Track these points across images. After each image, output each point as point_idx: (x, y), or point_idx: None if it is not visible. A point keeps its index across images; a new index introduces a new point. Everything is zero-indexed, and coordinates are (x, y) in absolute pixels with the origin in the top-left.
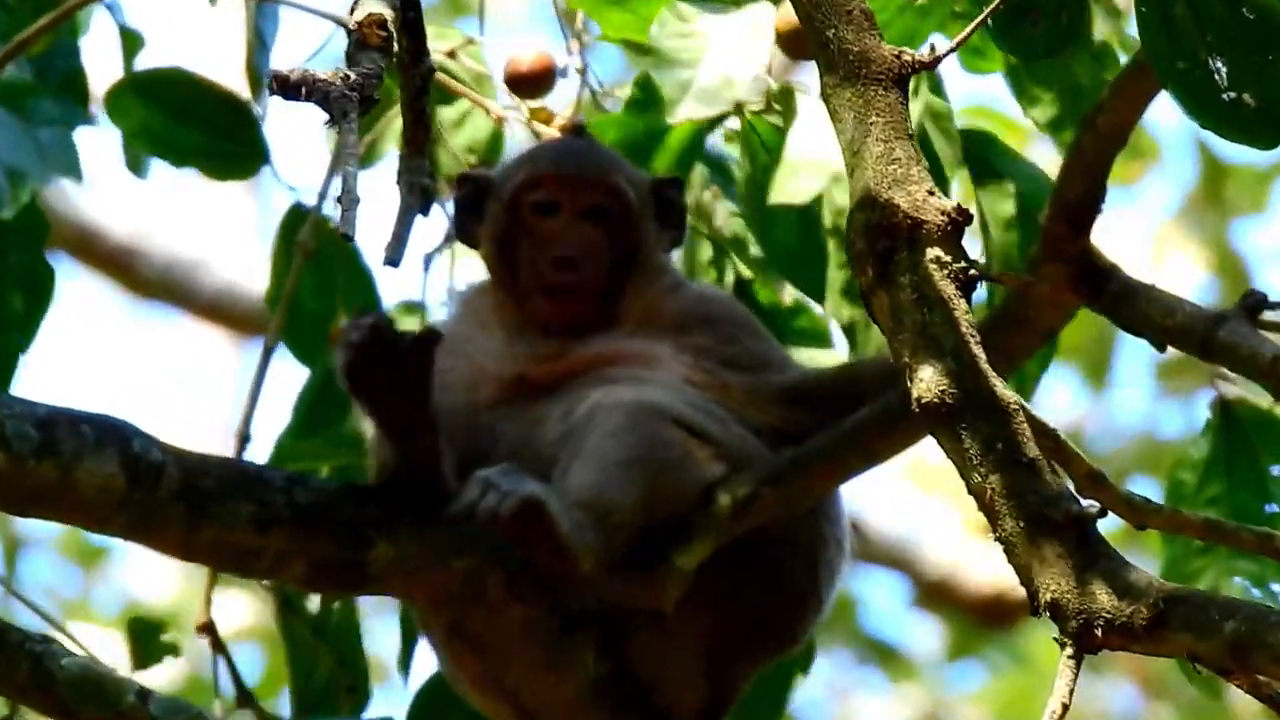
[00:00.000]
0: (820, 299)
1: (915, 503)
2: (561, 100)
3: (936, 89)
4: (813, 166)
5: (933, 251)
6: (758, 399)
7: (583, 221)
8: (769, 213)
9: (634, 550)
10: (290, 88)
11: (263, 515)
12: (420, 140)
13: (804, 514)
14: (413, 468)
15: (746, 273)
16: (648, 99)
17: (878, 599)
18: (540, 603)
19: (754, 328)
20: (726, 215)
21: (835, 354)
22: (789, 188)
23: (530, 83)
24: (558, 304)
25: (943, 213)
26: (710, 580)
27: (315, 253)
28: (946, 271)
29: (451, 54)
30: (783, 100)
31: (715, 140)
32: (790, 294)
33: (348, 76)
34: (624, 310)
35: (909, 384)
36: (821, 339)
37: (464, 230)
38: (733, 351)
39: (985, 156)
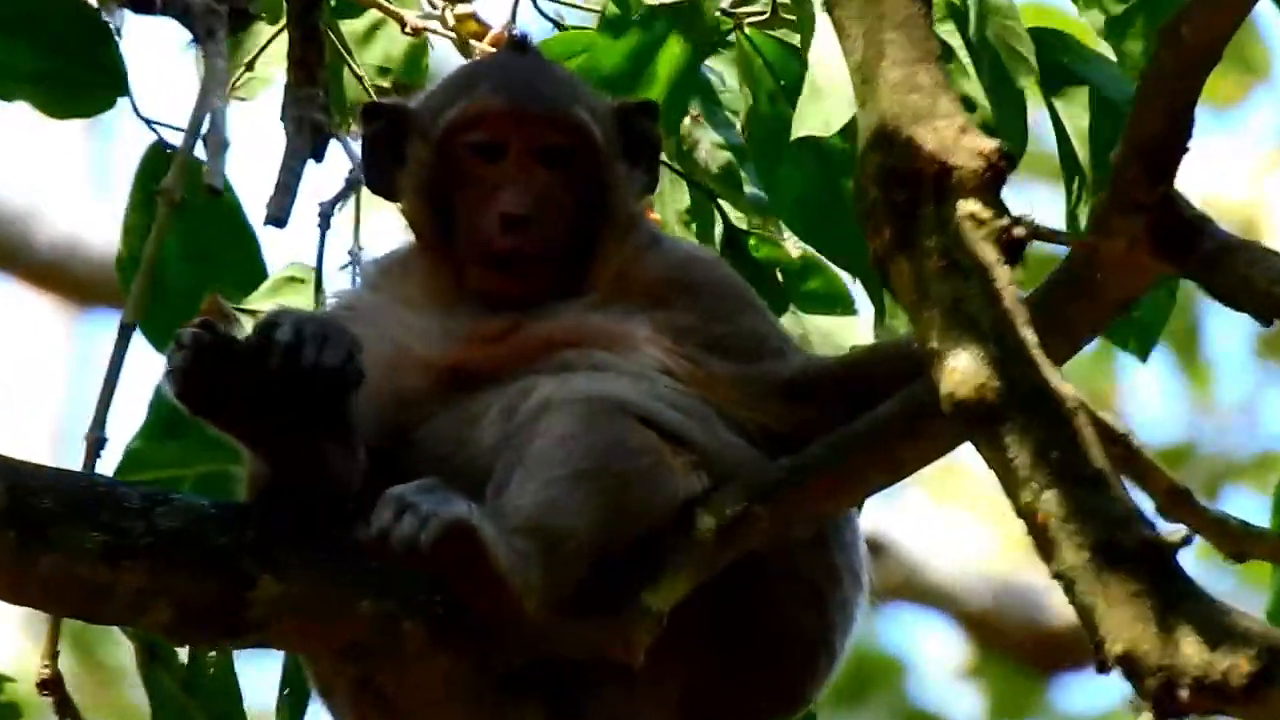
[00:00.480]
0: (844, 258)
1: (949, 520)
2: (495, 6)
3: None
4: (840, 90)
5: (966, 205)
6: (752, 393)
7: (536, 166)
8: (775, 148)
9: (591, 587)
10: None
11: (116, 544)
12: (311, 63)
13: (808, 539)
14: (297, 478)
15: (739, 220)
16: (624, 13)
17: (902, 642)
18: (472, 655)
19: (748, 301)
20: (711, 148)
21: (858, 324)
22: (813, 116)
23: None
24: (505, 279)
25: (979, 154)
26: (689, 625)
27: (182, 207)
28: (984, 230)
29: None
30: (795, 7)
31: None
32: (796, 248)
33: None
34: (589, 272)
35: (938, 376)
36: (840, 304)
37: (377, 177)
38: (721, 331)
39: (1057, 59)
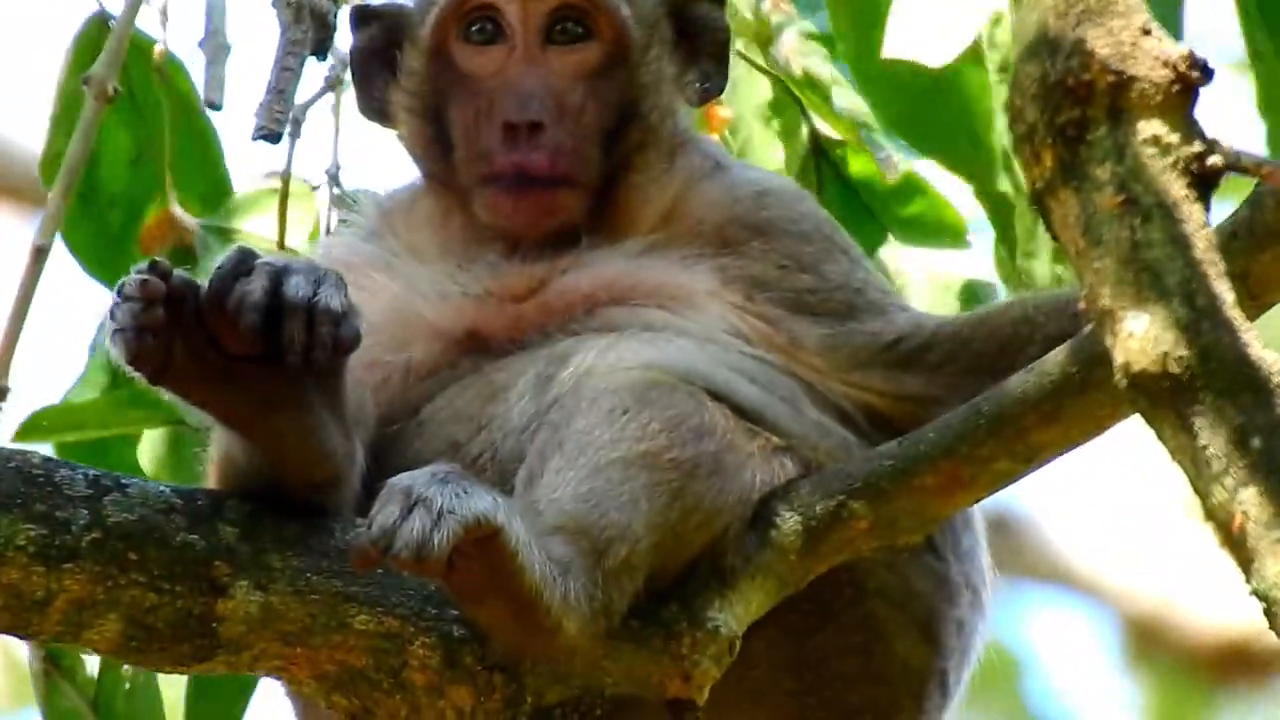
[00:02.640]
0: (964, 171)
1: (1110, 495)
2: None
3: None
4: None
5: (1149, 126)
6: (846, 361)
7: (545, 52)
8: (875, 32)
9: (646, 604)
10: None
11: (53, 542)
12: None
13: (918, 546)
14: (282, 462)
15: (829, 129)
16: None
17: (1044, 644)
18: (494, 689)
19: (839, 244)
20: (799, 41)
21: (972, 261)
22: (909, 29)
23: None
24: (520, 205)
25: (1165, 64)
26: (771, 651)
27: (124, 99)
28: (1171, 158)
29: None
30: None
31: None
32: (897, 161)
33: None
34: (631, 207)
35: (1109, 340)
36: (951, 235)
37: (368, 98)
38: (806, 284)
39: None
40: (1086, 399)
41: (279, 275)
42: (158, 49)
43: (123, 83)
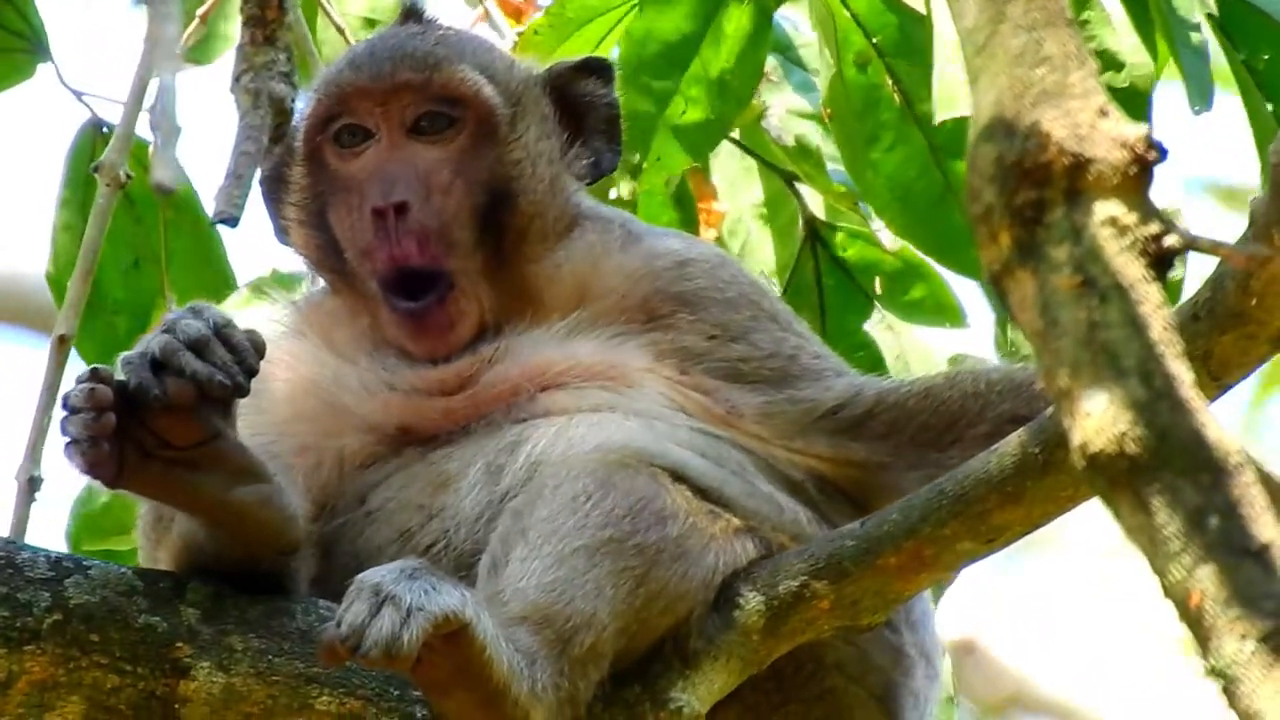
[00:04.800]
0: (953, 260)
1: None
2: None
3: None
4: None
5: (1107, 207)
6: (786, 427)
7: (411, 143)
8: (867, 124)
9: (609, 685)
10: None
11: (14, 624)
12: (270, 19)
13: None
14: (243, 541)
15: (822, 206)
16: None
17: None
18: None
19: (766, 309)
20: (786, 116)
21: (970, 339)
22: (951, 94)
23: None
24: (418, 329)
25: (1123, 145)
26: None
27: (125, 198)
28: (1128, 239)
29: None
30: None
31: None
32: (892, 242)
33: None
34: (536, 287)
35: (1067, 421)
36: (948, 315)
37: (276, 222)
38: (739, 352)
39: None
40: (1048, 480)
41: (177, 345)
42: (151, 149)
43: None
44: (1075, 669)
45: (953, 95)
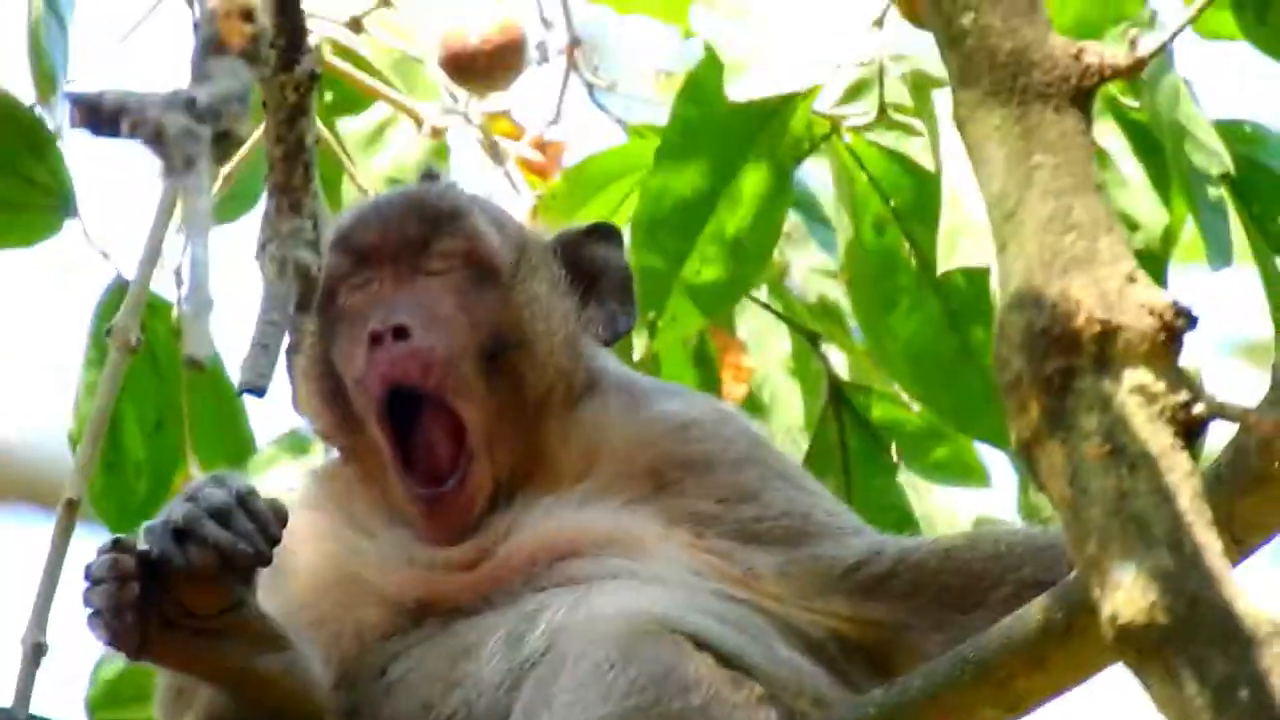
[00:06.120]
0: (974, 427)
1: None
2: (538, 101)
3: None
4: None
5: (1136, 375)
6: (804, 588)
7: (416, 277)
8: (884, 289)
9: None
10: (104, 119)
11: None
12: (297, 188)
13: None
14: (271, 712)
15: (845, 365)
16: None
17: None
18: None
19: (776, 468)
20: (807, 273)
21: (993, 500)
22: (959, 246)
23: (482, 67)
24: (433, 515)
25: (1152, 312)
26: None
27: (145, 361)
28: (1157, 407)
29: (356, 25)
30: (917, 95)
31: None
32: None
33: (193, 101)
34: (550, 452)
35: (1095, 591)
36: (972, 476)
37: (293, 394)
38: (752, 512)
39: (1256, 159)
40: (1072, 646)
41: (200, 514)
42: (175, 311)
43: (143, 343)
44: None
45: (954, 245)
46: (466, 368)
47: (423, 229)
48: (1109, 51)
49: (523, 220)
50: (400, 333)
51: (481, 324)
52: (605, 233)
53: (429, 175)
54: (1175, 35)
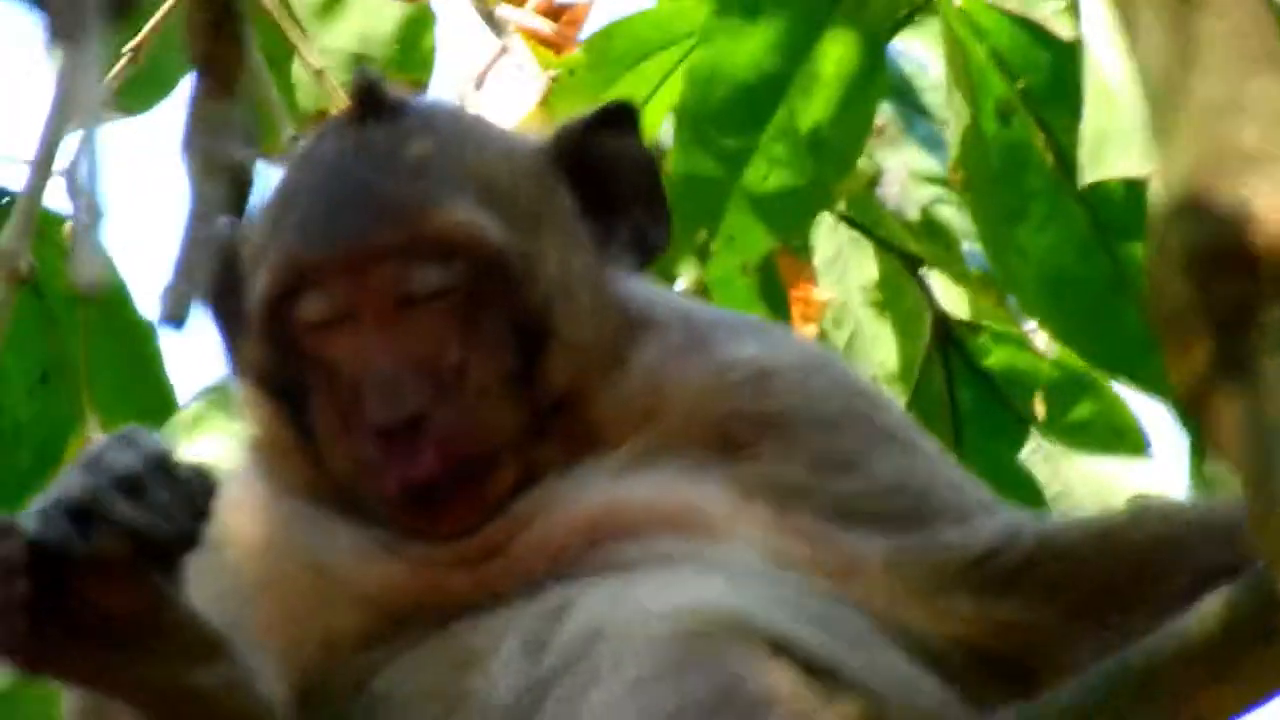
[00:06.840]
0: (1127, 370)
1: None
2: None
3: None
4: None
5: None
6: (923, 582)
7: (402, 313)
8: (1012, 195)
9: None
10: None
11: None
12: (228, 65)
13: None
14: None
15: (955, 300)
16: None
17: None
18: None
19: (882, 425)
20: (908, 181)
21: (1154, 471)
22: (1100, 147)
23: None
24: (432, 516)
25: None
26: None
27: (26, 297)
28: None
29: None
30: None
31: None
32: (1048, 345)
33: None
34: (596, 421)
35: None
36: (1126, 440)
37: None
38: (853, 485)
39: None
40: (1264, 651)
41: (105, 486)
42: (68, 226)
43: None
44: None
45: (1103, 148)
46: (498, 409)
47: (398, 237)
48: None
49: (530, 117)
50: (415, 421)
51: (502, 346)
52: (614, 116)
53: (371, 102)
54: None
